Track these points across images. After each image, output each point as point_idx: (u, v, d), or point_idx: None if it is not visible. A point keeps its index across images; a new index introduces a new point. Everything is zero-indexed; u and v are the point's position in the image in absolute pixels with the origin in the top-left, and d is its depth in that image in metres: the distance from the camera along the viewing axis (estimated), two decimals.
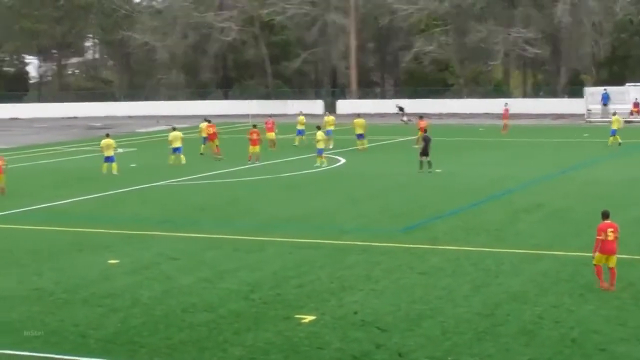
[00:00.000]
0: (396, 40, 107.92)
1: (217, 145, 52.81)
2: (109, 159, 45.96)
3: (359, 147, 55.84)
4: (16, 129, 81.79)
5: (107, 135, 47.83)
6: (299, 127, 59.70)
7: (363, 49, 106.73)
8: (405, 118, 79.03)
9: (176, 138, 50.09)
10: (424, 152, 44.31)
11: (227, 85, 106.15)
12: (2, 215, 34.04)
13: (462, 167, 46.72)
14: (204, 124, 54.80)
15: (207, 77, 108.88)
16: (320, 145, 47.76)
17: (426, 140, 44.89)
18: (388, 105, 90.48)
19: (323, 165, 46.91)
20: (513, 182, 40.54)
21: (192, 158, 50.83)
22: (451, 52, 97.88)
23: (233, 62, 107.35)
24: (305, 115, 64.60)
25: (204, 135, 54.13)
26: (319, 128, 49.80)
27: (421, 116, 59.76)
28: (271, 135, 56.79)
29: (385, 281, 22.86)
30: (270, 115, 62.52)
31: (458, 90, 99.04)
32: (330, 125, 58.29)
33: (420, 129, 55.86)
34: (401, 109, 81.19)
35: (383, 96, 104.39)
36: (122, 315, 20.25)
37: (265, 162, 49.51)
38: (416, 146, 52.82)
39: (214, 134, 53.19)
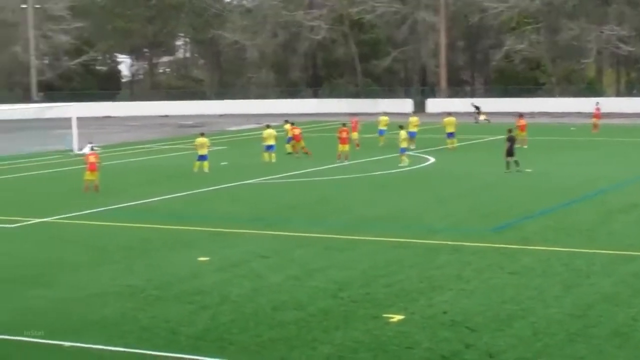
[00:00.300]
0: (486, 38, 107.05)
1: (303, 147, 53.08)
2: (202, 158, 46.27)
3: (449, 146, 55.51)
4: (109, 127, 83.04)
5: (202, 134, 48.22)
6: (381, 127, 59.31)
7: (453, 47, 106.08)
8: (481, 117, 77.99)
9: (270, 136, 50.41)
10: (510, 153, 43.85)
11: (317, 84, 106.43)
12: (95, 212, 34.58)
13: (553, 167, 46.16)
14: (287, 126, 55.05)
15: (297, 75, 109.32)
16: (404, 145, 47.51)
17: (511, 141, 44.40)
18: (478, 104, 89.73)
19: (404, 165, 46.54)
20: (606, 182, 39.92)
21: (281, 157, 51.05)
22: (543, 51, 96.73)
23: (322, 61, 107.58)
24: (395, 114, 64.39)
25: (290, 135, 54.33)
26: (401, 127, 49.43)
27: (521, 114, 58.91)
28: (354, 134, 56.72)
29: (476, 281, 22.69)
30: (355, 114, 62.17)
31: (550, 88, 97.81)
32: (414, 126, 57.59)
33: (520, 127, 55.37)
34: (477, 107, 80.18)
35: (473, 95, 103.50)
36: (212, 312, 20.41)
37: (353, 161, 49.47)
38: (524, 146, 52.77)
39: (299, 135, 53.43)
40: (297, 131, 53.82)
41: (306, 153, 52.48)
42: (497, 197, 36.69)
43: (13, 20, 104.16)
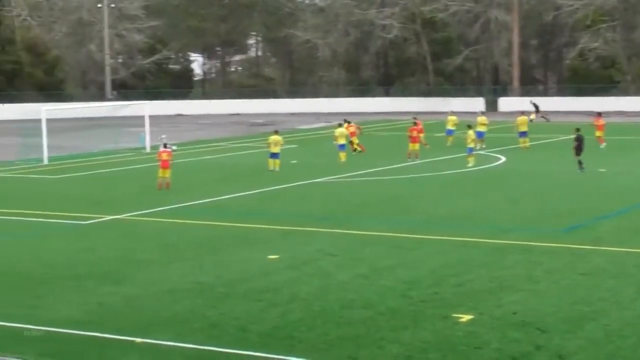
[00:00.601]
0: (560, 36, 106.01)
1: (356, 143, 53.46)
2: (274, 155, 46.30)
3: (521, 145, 55.05)
4: (181, 125, 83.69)
5: (276, 132, 48.24)
6: (449, 127, 58.76)
7: (526, 45, 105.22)
8: (532, 116, 76.62)
9: (341, 135, 50.37)
10: (577, 152, 43.37)
11: (388, 82, 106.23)
12: (167, 209, 34.87)
13: (628, 167, 45.50)
14: (345, 125, 55.48)
15: (368, 74, 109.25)
16: (471, 145, 47.10)
17: (579, 140, 43.86)
18: (551, 103, 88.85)
19: (471, 165, 46.11)
20: None
21: (352, 155, 51.01)
22: (618, 49, 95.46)
23: (394, 60, 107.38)
24: (467, 113, 63.67)
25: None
26: (469, 127, 48.95)
27: (599, 113, 58.21)
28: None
29: (546, 281, 22.46)
30: (416, 116, 61.42)
31: (625, 87, 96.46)
32: (482, 125, 57.02)
33: (598, 126, 54.75)
34: (536, 106, 78.94)
35: (546, 94, 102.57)
36: (281, 310, 20.47)
37: (422, 160, 49.22)
38: (602, 145, 52.30)
39: (353, 132, 53.84)
40: (351, 129, 54.12)
41: (355, 150, 52.84)
42: (570, 197, 36.26)
43: (89, 20, 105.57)
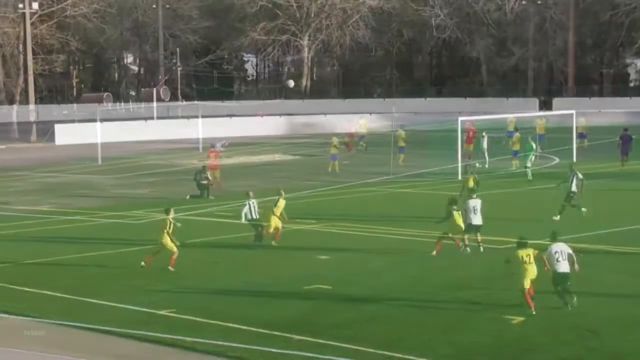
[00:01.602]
0: (617, 36, 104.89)
1: (347, 143, 55.07)
2: (333, 157, 46.57)
3: (577, 145, 54.66)
4: (234, 125, 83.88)
5: (335, 135, 48.54)
6: (510, 128, 58.31)
7: (581, 45, 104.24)
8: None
9: (400, 137, 50.27)
10: (623, 151, 43.02)
11: (441, 82, 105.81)
12: (218, 208, 34.90)
13: None
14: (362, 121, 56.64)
15: (421, 74, 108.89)
16: (516, 147, 46.76)
17: (622, 139, 43.43)
18: (606, 103, 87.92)
19: (512, 168, 45.80)
20: None
21: (409, 158, 50.76)
22: None
23: (447, 59, 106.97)
24: (521, 113, 63.23)
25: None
26: (516, 130, 48.70)
27: None
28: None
29: (598, 283, 22.22)
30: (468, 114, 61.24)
31: None
32: (541, 129, 56.52)
33: None
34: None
35: (601, 94, 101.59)
36: (331, 310, 20.45)
37: (477, 161, 48.89)
38: None
39: (352, 134, 54.95)
40: (352, 130, 55.10)
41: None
42: (625, 199, 35.83)
43: (143, 20, 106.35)
